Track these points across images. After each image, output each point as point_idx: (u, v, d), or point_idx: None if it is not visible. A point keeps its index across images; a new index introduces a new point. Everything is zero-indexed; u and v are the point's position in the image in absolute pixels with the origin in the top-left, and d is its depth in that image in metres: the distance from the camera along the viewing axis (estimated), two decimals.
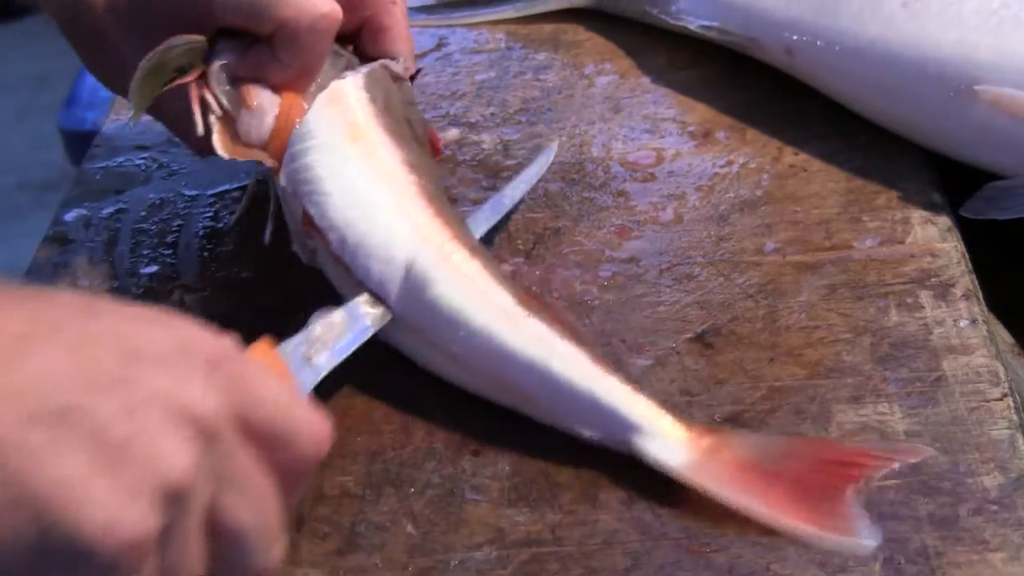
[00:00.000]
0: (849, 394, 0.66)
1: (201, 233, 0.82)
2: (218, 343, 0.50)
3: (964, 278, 0.72)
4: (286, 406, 0.52)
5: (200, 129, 0.69)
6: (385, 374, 0.70)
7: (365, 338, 0.67)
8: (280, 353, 0.62)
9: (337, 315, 0.66)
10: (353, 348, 0.66)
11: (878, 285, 0.72)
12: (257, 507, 0.50)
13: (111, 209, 0.85)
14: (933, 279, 0.72)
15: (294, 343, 0.64)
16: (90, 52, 0.75)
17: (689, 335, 0.70)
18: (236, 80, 0.70)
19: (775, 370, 0.68)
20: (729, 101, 0.89)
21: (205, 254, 0.80)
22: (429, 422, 0.67)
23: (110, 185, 0.87)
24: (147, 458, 0.45)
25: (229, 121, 0.70)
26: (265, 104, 0.70)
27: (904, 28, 0.79)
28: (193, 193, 0.86)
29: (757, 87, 0.90)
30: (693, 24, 0.93)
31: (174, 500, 0.46)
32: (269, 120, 0.69)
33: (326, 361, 0.65)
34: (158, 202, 0.85)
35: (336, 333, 0.66)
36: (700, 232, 0.78)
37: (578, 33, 0.99)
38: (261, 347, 0.61)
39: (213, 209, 0.84)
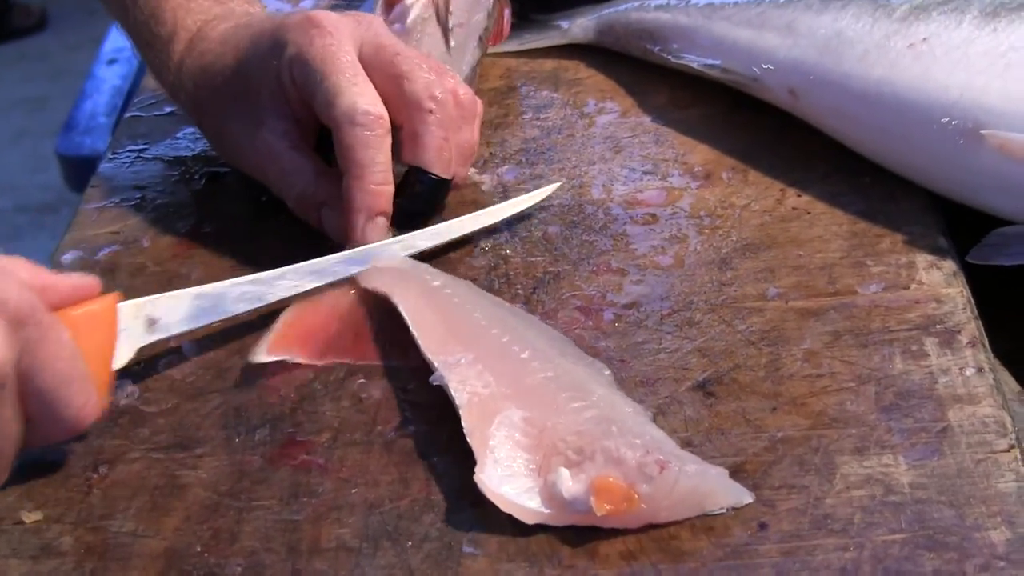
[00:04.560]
0: (853, 445, 0.65)
1: (198, 274, 0.81)
2: (29, 303, 0.60)
3: (970, 324, 0.71)
4: (64, 378, 0.62)
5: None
6: (382, 424, 0.69)
7: (220, 318, 0.73)
8: (119, 310, 0.69)
9: (208, 289, 0.73)
10: (201, 324, 0.73)
11: (882, 332, 0.71)
12: None
13: (108, 251, 0.84)
14: (938, 325, 0.71)
15: (140, 304, 0.70)
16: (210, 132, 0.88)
17: (690, 383, 0.69)
18: None
19: (777, 420, 0.67)
20: (731, 141, 0.89)
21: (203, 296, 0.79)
22: (427, 473, 0.66)
23: (107, 226, 0.87)
24: None
25: None
26: None
27: (910, 71, 0.79)
28: (189, 232, 0.85)
29: (760, 127, 0.89)
30: (695, 63, 0.92)
31: None
32: None
33: (165, 330, 0.71)
34: (154, 243, 0.84)
35: (189, 307, 0.72)
36: (702, 276, 0.77)
37: (579, 70, 0.99)
38: (106, 300, 0.67)
39: (209, 249, 0.84)
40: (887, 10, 0.82)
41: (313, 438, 0.68)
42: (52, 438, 0.65)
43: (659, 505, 0.61)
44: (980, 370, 0.68)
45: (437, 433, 0.68)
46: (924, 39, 0.79)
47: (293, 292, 0.75)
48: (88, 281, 0.67)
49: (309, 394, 0.72)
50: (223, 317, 0.73)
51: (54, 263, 0.83)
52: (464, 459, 0.66)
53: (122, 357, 0.69)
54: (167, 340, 0.72)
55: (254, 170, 0.83)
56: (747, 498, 0.62)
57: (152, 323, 0.70)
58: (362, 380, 0.72)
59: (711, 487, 0.62)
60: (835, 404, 0.67)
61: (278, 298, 0.74)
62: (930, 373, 0.69)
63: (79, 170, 1.55)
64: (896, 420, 0.66)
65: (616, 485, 0.61)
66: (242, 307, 0.73)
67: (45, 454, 0.69)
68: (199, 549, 0.63)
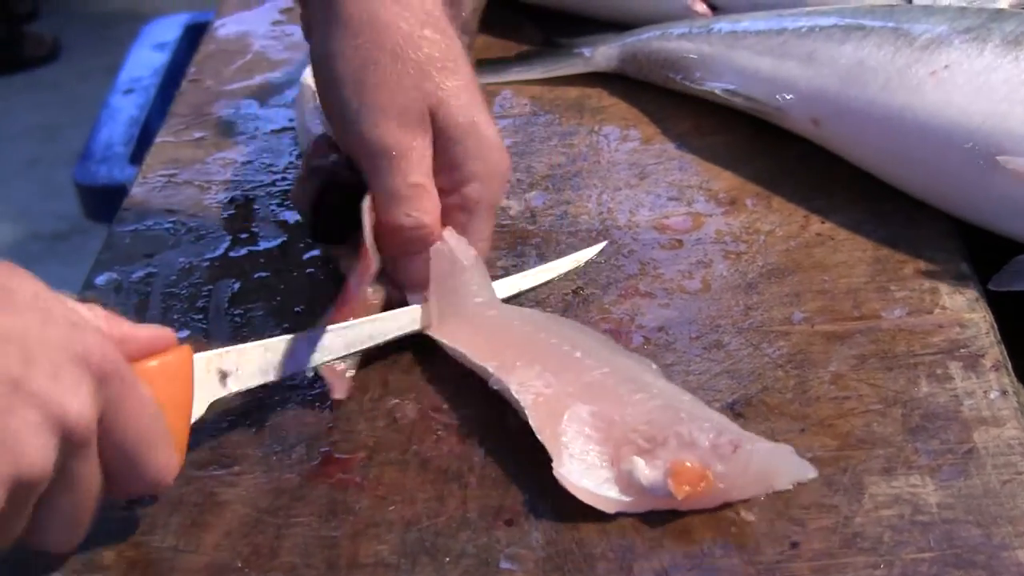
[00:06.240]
0: (881, 465, 0.66)
1: (231, 297, 0.82)
2: (113, 358, 0.58)
3: (993, 349, 0.73)
4: (146, 437, 0.61)
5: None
6: (418, 443, 0.70)
7: (293, 371, 0.71)
8: (194, 362, 0.66)
9: (278, 342, 0.70)
10: (273, 378, 0.70)
11: (907, 356, 0.73)
12: (78, 507, 0.60)
13: (141, 273, 0.85)
14: (962, 350, 0.73)
15: (214, 356, 0.68)
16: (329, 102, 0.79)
17: (720, 405, 0.71)
18: None
19: (806, 441, 0.68)
20: (755, 168, 0.90)
21: (236, 319, 0.80)
22: (463, 491, 0.67)
23: (140, 249, 0.88)
24: (10, 450, 0.54)
25: None
26: None
27: (932, 98, 0.80)
28: (221, 255, 0.87)
29: (783, 154, 0.91)
30: (718, 91, 0.93)
31: (23, 487, 0.55)
32: None
33: (237, 383, 0.69)
34: (187, 266, 0.85)
35: (266, 359, 0.70)
36: (728, 300, 0.78)
37: (602, 98, 1.00)
38: (180, 352, 0.65)
39: (242, 273, 0.85)
40: (908, 39, 0.83)
41: (349, 456, 0.70)
42: (130, 494, 0.64)
43: (734, 484, 0.64)
44: (1004, 393, 0.70)
45: (471, 452, 0.69)
46: (946, 67, 0.80)
47: (370, 344, 0.74)
48: (164, 332, 0.65)
49: (344, 414, 0.73)
50: (297, 370, 0.71)
51: (87, 285, 0.84)
52: (498, 478, 0.67)
53: (196, 411, 0.66)
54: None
55: (370, 145, 0.75)
56: (811, 473, 0.64)
57: (224, 376, 0.68)
58: (396, 400, 0.73)
59: (780, 464, 0.65)
60: (862, 426, 0.68)
61: (353, 350, 0.73)
62: (955, 396, 0.70)
63: (95, 198, 1.56)
64: (923, 441, 0.67)
65: (691, 467, 0.63)
66: (316, 359, 0.72)
67: None
68: (239, 564, 0.64)
